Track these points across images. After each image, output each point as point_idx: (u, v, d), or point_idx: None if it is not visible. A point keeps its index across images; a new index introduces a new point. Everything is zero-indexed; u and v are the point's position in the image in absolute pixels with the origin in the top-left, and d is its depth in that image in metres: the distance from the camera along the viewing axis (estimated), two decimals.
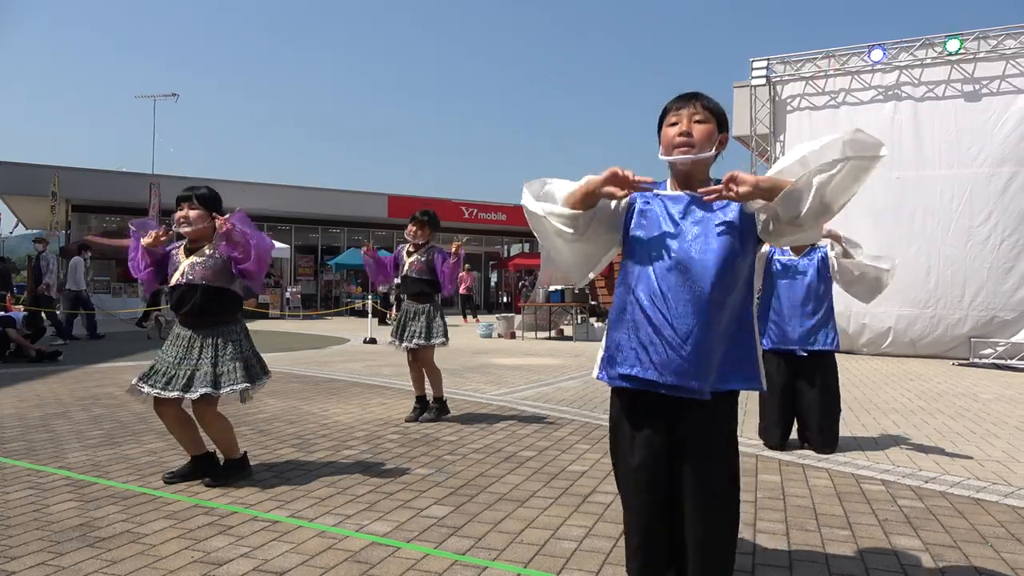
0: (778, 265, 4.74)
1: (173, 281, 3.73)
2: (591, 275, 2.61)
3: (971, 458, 4.41)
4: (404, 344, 5.44)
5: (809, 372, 4.64)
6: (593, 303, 16.63)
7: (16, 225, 32.44)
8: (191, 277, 3.66)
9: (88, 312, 13.38)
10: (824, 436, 4.57)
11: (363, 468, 4.04)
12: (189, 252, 3.75)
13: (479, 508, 3.33)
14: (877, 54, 11.26)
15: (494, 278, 32.96)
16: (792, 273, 4.69)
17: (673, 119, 2.38)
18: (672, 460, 2.31)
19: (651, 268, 2.32)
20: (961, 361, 10.25)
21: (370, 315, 14.73)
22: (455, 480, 3.81)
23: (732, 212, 2.33)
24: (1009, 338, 10.43)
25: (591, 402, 6.47)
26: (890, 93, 11.55)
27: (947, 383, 7.96)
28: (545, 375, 8.48)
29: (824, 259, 4.69)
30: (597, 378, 2.43)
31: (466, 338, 14.85)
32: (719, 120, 2.38)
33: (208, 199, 3.76)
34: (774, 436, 4.66)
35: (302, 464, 4.13)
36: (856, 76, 11.70)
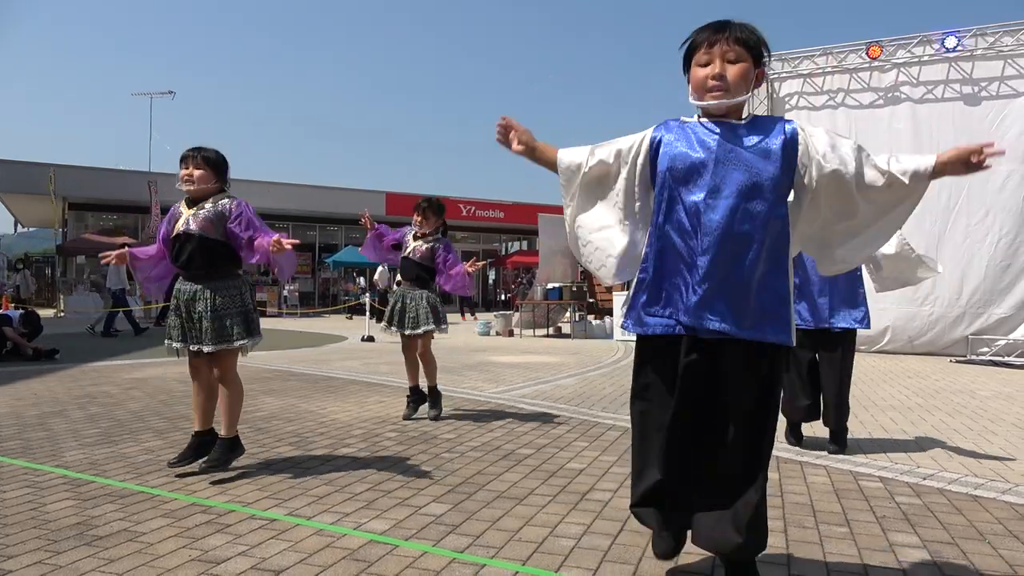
0: None
1: (174, 232, 3.75)
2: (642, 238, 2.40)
3: (969, 455, 4.42)
4: (407, 330, 5.28)
5: (831, 348, 4.42)
6: (591, 300, 16.63)
7: (16, 224, 32.37)
8: (191, 227, 3.69)
9: (115, 309, 14.04)
10: (839, 411, 4.39)
11: (361, 466, 4.04)
12: (191, 205, 3.78)
13: (477, 506, 3.33)
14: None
15: (492, 276, 32.96)
16: None
17: (704, 57, 2.17)
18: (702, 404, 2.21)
19: (680, 202, 2.18)
20: (959, 358, 10.26)
21: (368, 313, 14.71)
22: (453, 478, 3.80)
23: (775, 141, 2.16)
24: (1007, 335, 10.45)
25: (589, 399, 6.47)
26: (889, 94, 11.55)
27: (945, 380, 7.97)
28: (543, 373, 8.48)
29: None
30: (622, 327, 2.34)
31: (464, 336, 14.84)
32: (754, 54, 2.18)
33: (213, 162, 3.77)
34: (801, 412, 4.47)
35: (300, 462, 4.12)
36: (854, 74, 11.69)
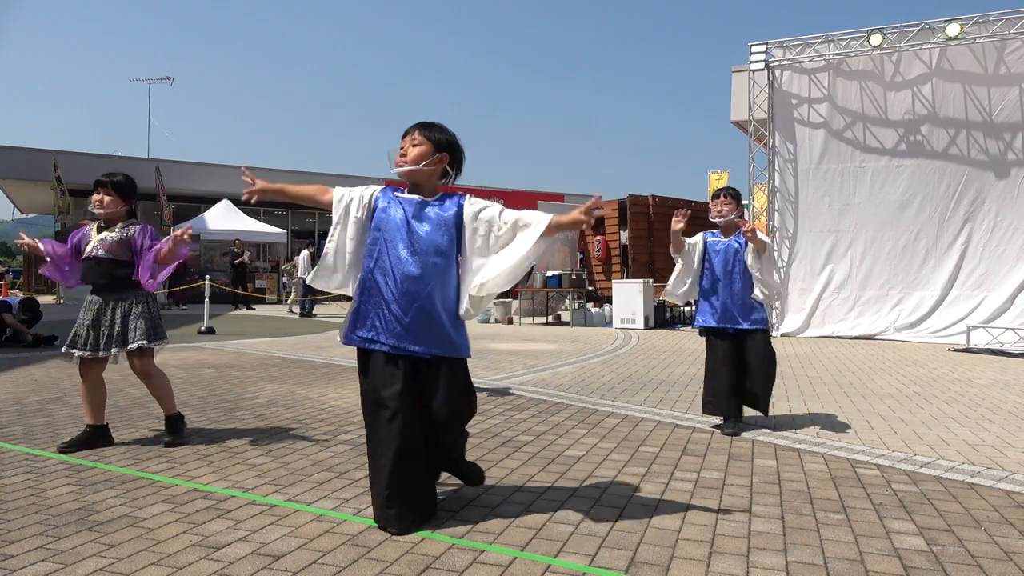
0: (712, 247, 4.89)
1: (84, 254, 4.15)
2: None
3: (966, 443, 4.44)
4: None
5: (755, 344, 4.75)
6: (590, 288, 16.63)
7: (14, 211, 32.31)
8: (99, 251, 4.09)
9: (314, 298, 16.80)
10: (765, 398, 4.76)
11: (361, 452, 4.05)
12: (100, 230, 4.18)
13: (476, 492, 3.34)
14: (876, 39, 11.14)
15: None
16: (723, 253, 4.84)
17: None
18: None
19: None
20: (957, 347, 10.29)
21: None
22: None
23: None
24: (1005, 324, 10.47)
25: (588, 387, 6.48)
26: (888, 80, 11.51)
27: (942, 369, 7.99)
28: (542, 360, 8.50)
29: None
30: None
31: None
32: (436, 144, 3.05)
33: (122, 186, 4.19)
34: (730, 407, 4.70)
35: (300, 448, 4.14)
36: (863, 83, 11.62)
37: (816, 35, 11.90)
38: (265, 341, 10.51)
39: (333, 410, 5.27)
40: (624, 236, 16.83)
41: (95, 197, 4.13)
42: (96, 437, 4.13)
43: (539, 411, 5.32)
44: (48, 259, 4.24)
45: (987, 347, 10.09)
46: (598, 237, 16.75)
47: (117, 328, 4.06)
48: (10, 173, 23.16)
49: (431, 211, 3.03)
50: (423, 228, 2.99)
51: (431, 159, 3.05)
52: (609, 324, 14.53)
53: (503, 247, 2.99)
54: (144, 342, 4.07)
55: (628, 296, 13.87)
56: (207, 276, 13.42)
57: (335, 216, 3.15)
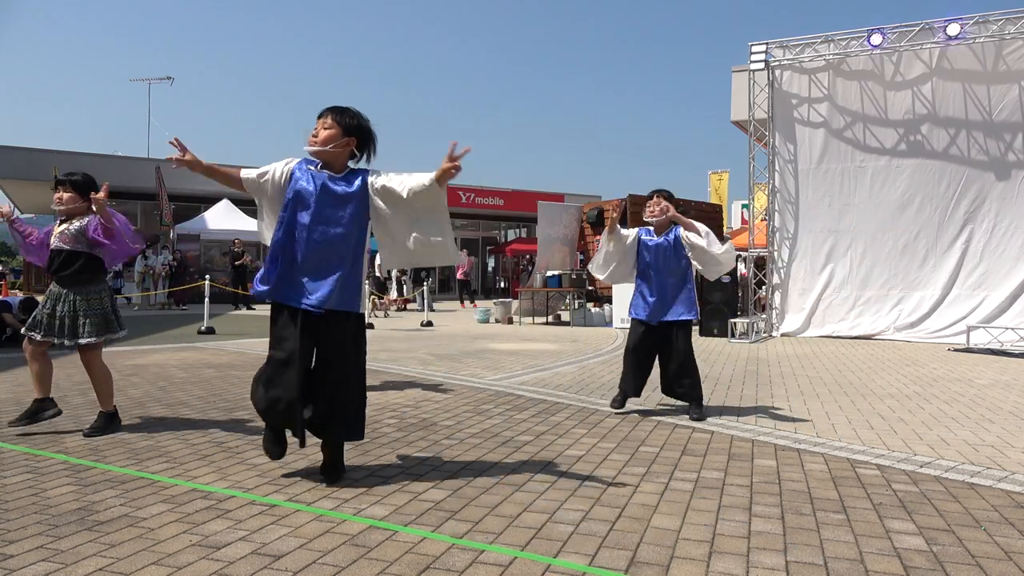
0: (646, 244, 5.26)
1: (49, 246, 4.46)
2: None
3: (966, 443, 4.44)
4: None
5: (674, 337, 5.18)
6: (590, 288, 16.63)
7: (14, 211, 32.29)
8: (57, 243, 4.40)
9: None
10: (696, 391, 5.14)
11: (360, 452, 4.05)
12: (61, 223, 4.49)
13: (476, 492, 3.35)
14: (877, 39, 11.20)
15: (491, 263, 32.94)
16: (655, 250, 5.20)
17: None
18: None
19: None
20: (957, 347, 10.29)
21: (367, 299, 14.71)
22: (452, 464, 3.82)
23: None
24: (1005, 324, 10.48)
25: (588, 387, 6.48)
26: (888, 80, 11.52)
27: (943, 369, 7.99)
28: (542, 360, 8.50)
29: (678, 238, 5.16)
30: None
31: (463, 323, 14.85)
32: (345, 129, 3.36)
33: (79, 184, 4.49)
34: (628, 386, 5.23)
35: (299, 449, 4.13)
36: (863, 83, 11.61)
37: (816, 35, 11.90)
38: (265, 341, 10.48)
39: None
40: None
41: (56, 195, 4.46)
42: (43, 409, 4.43)
43: (539, 411, 5.32)
44: (19, 233, 4.63)
45: (987, 347, 10.09)
46: (598, 237, 16.75)
47: (68, 321, 4.35)
48: (10, 173, 23.14)
49: (336, 187, 3.35)
50: (328, 201, 3.32)
51: (338, 142, 3.35)
52: (609, 324, 14.53)
53: (412, 206, 3.38)
54: (92, 339, 4.37)
55: (628, 296, 13.85)
56: (207, 276, 13.43)
57: (257, 199, 3.52)
